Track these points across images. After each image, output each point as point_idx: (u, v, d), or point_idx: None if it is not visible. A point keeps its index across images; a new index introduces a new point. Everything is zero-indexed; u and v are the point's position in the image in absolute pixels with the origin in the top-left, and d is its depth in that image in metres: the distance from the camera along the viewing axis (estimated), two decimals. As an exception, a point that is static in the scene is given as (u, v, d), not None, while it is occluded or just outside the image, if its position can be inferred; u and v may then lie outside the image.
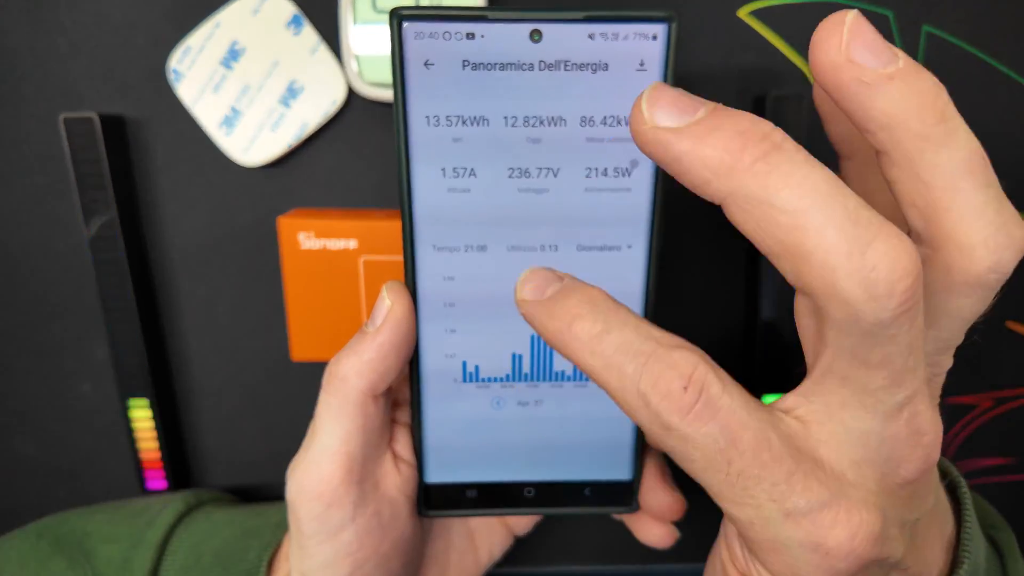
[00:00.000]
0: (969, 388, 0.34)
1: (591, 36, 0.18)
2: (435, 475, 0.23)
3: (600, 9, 0.18)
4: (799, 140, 0.31)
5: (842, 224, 0.13)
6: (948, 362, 0.17)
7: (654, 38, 0.18)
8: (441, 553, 0.26)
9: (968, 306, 0.15)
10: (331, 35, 0.28)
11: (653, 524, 0.25)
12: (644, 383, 0.14)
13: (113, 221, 0.29)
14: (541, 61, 0.18)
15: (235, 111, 0.29)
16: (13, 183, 0.30)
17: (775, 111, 0.28)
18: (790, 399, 0.16)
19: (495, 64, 0.18)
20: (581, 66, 0.18)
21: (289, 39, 0.28)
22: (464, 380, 0.22)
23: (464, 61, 0.18)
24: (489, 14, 0.17)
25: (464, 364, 0.22)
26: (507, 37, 0.18)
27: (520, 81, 0.18)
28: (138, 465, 0.33)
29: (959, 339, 0.16)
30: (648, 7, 0.18)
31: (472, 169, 0.19)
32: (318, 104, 0.29)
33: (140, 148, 0.30)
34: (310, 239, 0.28)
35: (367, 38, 0.27)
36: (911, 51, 0.29)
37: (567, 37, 0.18)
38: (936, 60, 0.29)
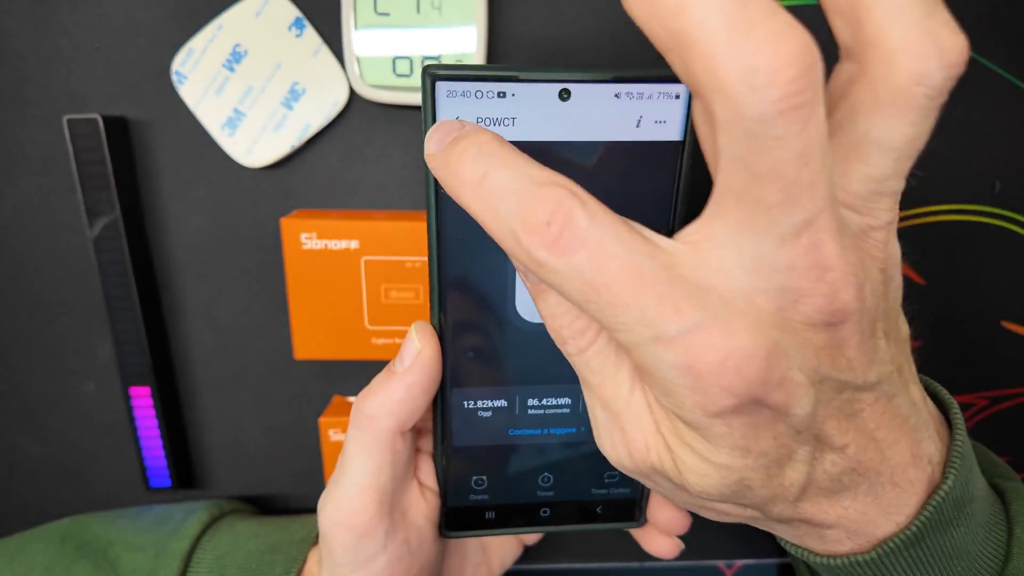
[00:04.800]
0: (964, 388, 0.34)
1: (617, 95, 0.18)
2: (456, 499, 0.24)
3: (626, 68, 0.18)
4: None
5: (727, 5, 0.11)
6: (887, 214, 0.15)
7: (677, 97, 0.18)
8: (457, 568, 0.27)
9: (896, 131, 0.14)
10: (333, 37, 0.29)
11: (659, 537, 0.25)
12: (514, 221, 0.14)
13: (116, 222, 0.29)
14: (568, 118, 0.18)
15: (238, 113, 0.29)
16: (17, 184, 0.30)
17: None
18: (692, 224, 0.15)
19: (525, 121, 0.18)
20: (606, 123, 0.19)
21: (291, 41, 0.28)
22: (484, 410, 0.23)
23: (494, 118, 0.18)
24: (520, 74, 0.18)
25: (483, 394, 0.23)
26: (537, 96, 0.18)
27: (548, 137, 0.19)
28: (141, 464, 0.33)
29: (893, 181, 0.15)
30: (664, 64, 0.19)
31: None
32: (320, 106, 0.29)
33: (143, 149, 0.30)
34: (312, 240, 0.28)
35: (369, 40, 0.28)
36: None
37: (595, 96, 0.18)
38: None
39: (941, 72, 0.13)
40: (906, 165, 0.15)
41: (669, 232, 0.20)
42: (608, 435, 0.18)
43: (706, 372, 0.14)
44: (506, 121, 0.18)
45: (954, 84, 0.13)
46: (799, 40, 0.11)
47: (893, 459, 0.17)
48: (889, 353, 0.16)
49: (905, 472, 0.17)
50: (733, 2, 0.11)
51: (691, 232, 0.15)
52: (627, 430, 0.17)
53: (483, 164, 0.15)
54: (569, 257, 0.14)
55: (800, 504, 0.17)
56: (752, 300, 0.14)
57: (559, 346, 0.18)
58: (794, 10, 0.29)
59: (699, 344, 0.13)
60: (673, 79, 0.18)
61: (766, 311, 0.14)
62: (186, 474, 0.34)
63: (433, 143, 0.16)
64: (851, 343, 0.15)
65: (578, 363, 0.17)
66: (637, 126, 0.19)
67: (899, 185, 0.15)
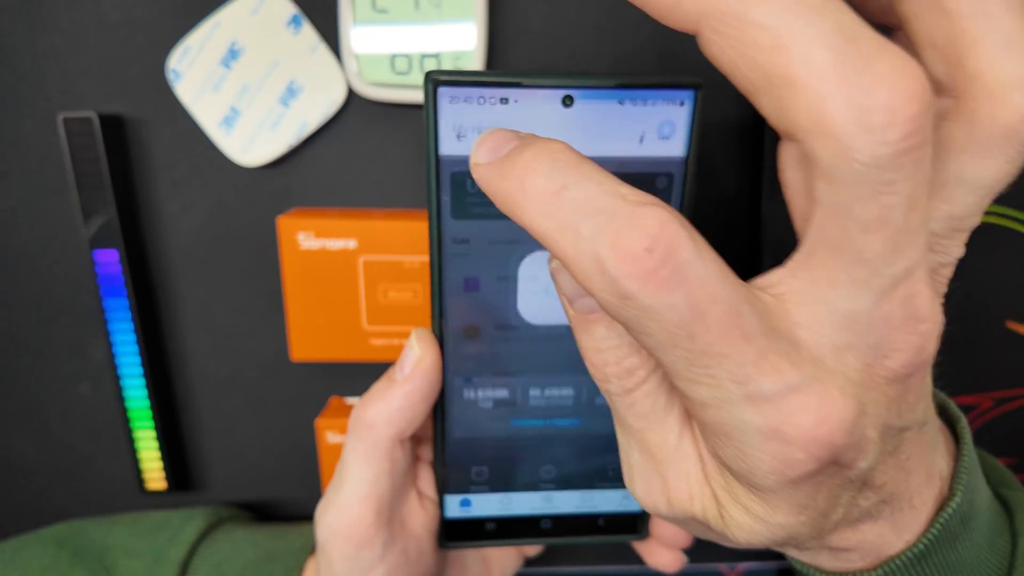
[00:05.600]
0: (969, 388, 0.34)
1: (621, 102, 0.18)
2: (456, 509, 0.23)
3: (630, 74, 0.18)
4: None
5: (833, 41, 0.11)
6: (959, 250, 0.14)
7: (681, 104, 0.18)
8: None
9: (991, 171, 0.13)
10: (331, 35, 0.28)
11: (663, 550, 0.25)
12: (602, 244, 0.12)
13: (112, 221, 0.29)
14: (571, 124, 0.18)
15: (234, 111, 0.29)
16: (12, 183, 0.30)
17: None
18: (774, 274, 0.14)
19: (527, 127, 0.18)
20: (610, 129, 0.18)
21: (289, 39, 0.28)
22: (487, 422, 0.22)
23: (498, 124, 0.18)
24: (523, 80, 0.18)
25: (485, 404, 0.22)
26: (540, 102, 0.18)
27: None
28: (137, 466, 0.32)
29: (974, 218, 0.14)
30: (675, 72, 0.18)
31: None
32: (317, 104, 0.29)
33: (139, 148, 0.30)
34: (309, 239, 0.28)
35: (367, 38, 0.27)
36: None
37: (598, 103, 0.18)
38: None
39: None
40: (988, 201, 0.14)
41: None
42: (644, 481, 0.16)
43: (795, 437, 0.12)
44: (509, 127, 0.18)
45: None
46: (917, 75, 0.11)
47: (914, 483, 0.16)
48: (930, 386, 0.15)
49: (920, 492, 0.16)
50: (840, 36, 0.11)
51: (774, 283, 0.14)
52: (669, 479, 0.16)
53: (560, 175, 0.13)
54: (666, 294, 0.12)
55: (827, 537, 0.16)
56: (842, 358, 0.13)
57: (598, 383, 0.16)
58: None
59: (794, 407, 0.12)
60: (677, 85, 0.18)
61: (854, 368, 0.13)
62: (181, 476, 0.34)
63: (484, 152, 0.15)
64: (914, 389, 0.14)
65: (620, 404, 0.16)
66: (641, 132, 0.19)
67: (977, 221, 0.14)
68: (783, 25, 0.11)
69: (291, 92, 0.29)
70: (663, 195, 0.19)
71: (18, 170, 0.30)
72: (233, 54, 0.28)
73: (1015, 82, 0.12)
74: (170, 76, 0.28)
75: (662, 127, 0.19)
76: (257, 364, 0.33)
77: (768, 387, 0.12)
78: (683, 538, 0.24)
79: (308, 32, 0.28)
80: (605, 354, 0.15)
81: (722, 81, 0.29)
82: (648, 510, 0.17)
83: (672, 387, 0.15)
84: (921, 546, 0.16)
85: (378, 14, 0.27)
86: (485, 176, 0.15)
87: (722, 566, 0.36)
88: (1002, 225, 0.31)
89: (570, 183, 0.13)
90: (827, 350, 0.13)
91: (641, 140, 0.19)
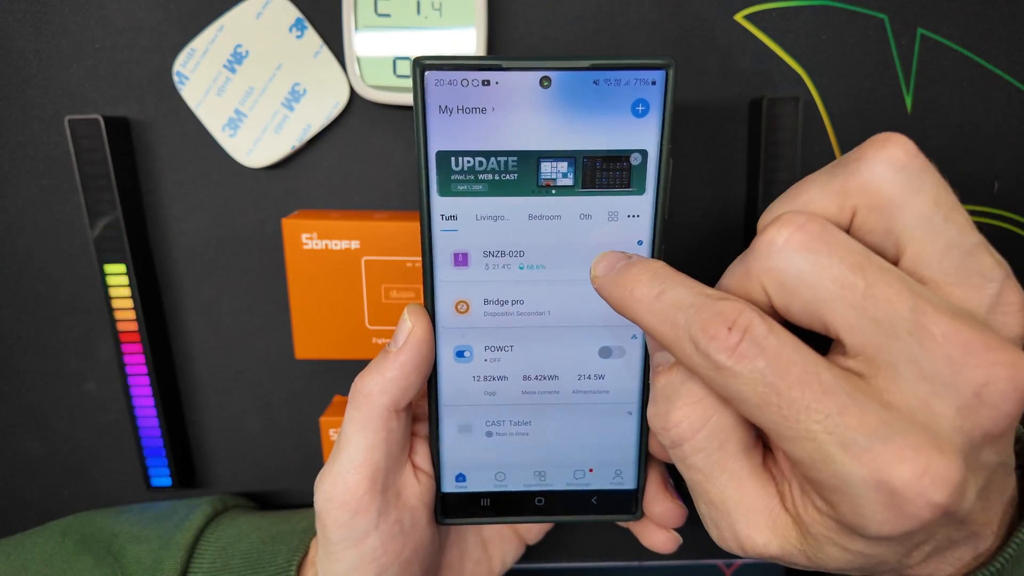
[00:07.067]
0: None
1: (596, 82, 0.19)
2: (452, 484, 0.24)
3: (605, 55, 0.19)
4: (793, 141, 0.31)
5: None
6: (990, 269, 0.16)
7: (653, 83, 0.19)
8: (456, 561, 0.27)
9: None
10: (334, 38, 0.29)
11: (657, 530, 0.25)
12: (694, 329, 0.16)
13: (118, 222, 0.29)
14: (549, 104, 0.19)
15: (239, 113, 0.29)
16: (19, 184, 0.30)
17: (770, 113, 0.28)
18: (839, 360, 0.16)
19: (508, 107, 0.19)
20: (586, 109, 0.20)
21: (292, 42, 0.28)
22: (479, 395, 0.23)
23: (480, 105, 0.19)
24: (503, 63, 0.19)
25: (479, 381, 0.23)
26: (519, 83, 0.19)
27: (531, 122, 0.20)
28: (143, 463, 0.33)
29: (961, 238, 0.15)
30: (648, 53, 0.20)
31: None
32: (321, 106, 0.29)
33: (144, 150, 0.30)
34: (313, 240, 0.28)
35: (369, 41, 0.28)
36: (906, 55, 0.29)
37: (574, 83, 0.19)
38: (931, 63, 0.29)
39: None
40: (947, 226, 0.15)
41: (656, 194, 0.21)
42: (714, 527, 0.18)
43: (902, 489, 0.13)
44: (491, 108, 0.19)
45: None
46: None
47: (997, 510, 0.17)
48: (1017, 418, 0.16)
49: (998, 516, 0.17)
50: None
51: (843, 364, 0.15)
52: (737, 528, 0.17)
53: (659, 283, 0.17)
54: (749, 361, 0.15)
55: (911, 566, 0.17)
56: (930, 409, 0.14)
57: (659, 437, 0.18)
58: (791, 13, 0.29)
59: (890, 458, 0.13)
60: (648, 67, 0.19)
61: (947, 416, 0.14)
62: (187, 473, 0.34)
63: (601, 268, 0.19)
64: (1010, 427, 0.15)
65: (674, 457, 0.18)
66: (617, 110, 0.20)
67: (970, 240, 0.15)
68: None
69: (295, 95, 0.29)
70: (639, 170, 0.20)
71: (25, 172, 0.30)
72: (238, 57, 0.29)
73: None
74: (175, 79, 0.29)
75: (636, 105, 0.20)
76: (261, 363, 0.33)
77: (860, 438, 0.14)
78: (676, 517, 0.25)
79: (311, 36, 0.28)
80: (658, 404, 0.18)
81: (720, 94, 0.29)
82: (722, 548, 0.18)
83: (723, 446, 0.18)
84: (996, 566, 0.17)
85: (380, 19, 0.27)
86: (604, 286, 0.19)
87: (720, 562, 0.37)
88: (996, 226, 0.31)
89: (667, 288, 0.17)
90: (915, 404, 0.14)
91: (617, 118, 0.20)
